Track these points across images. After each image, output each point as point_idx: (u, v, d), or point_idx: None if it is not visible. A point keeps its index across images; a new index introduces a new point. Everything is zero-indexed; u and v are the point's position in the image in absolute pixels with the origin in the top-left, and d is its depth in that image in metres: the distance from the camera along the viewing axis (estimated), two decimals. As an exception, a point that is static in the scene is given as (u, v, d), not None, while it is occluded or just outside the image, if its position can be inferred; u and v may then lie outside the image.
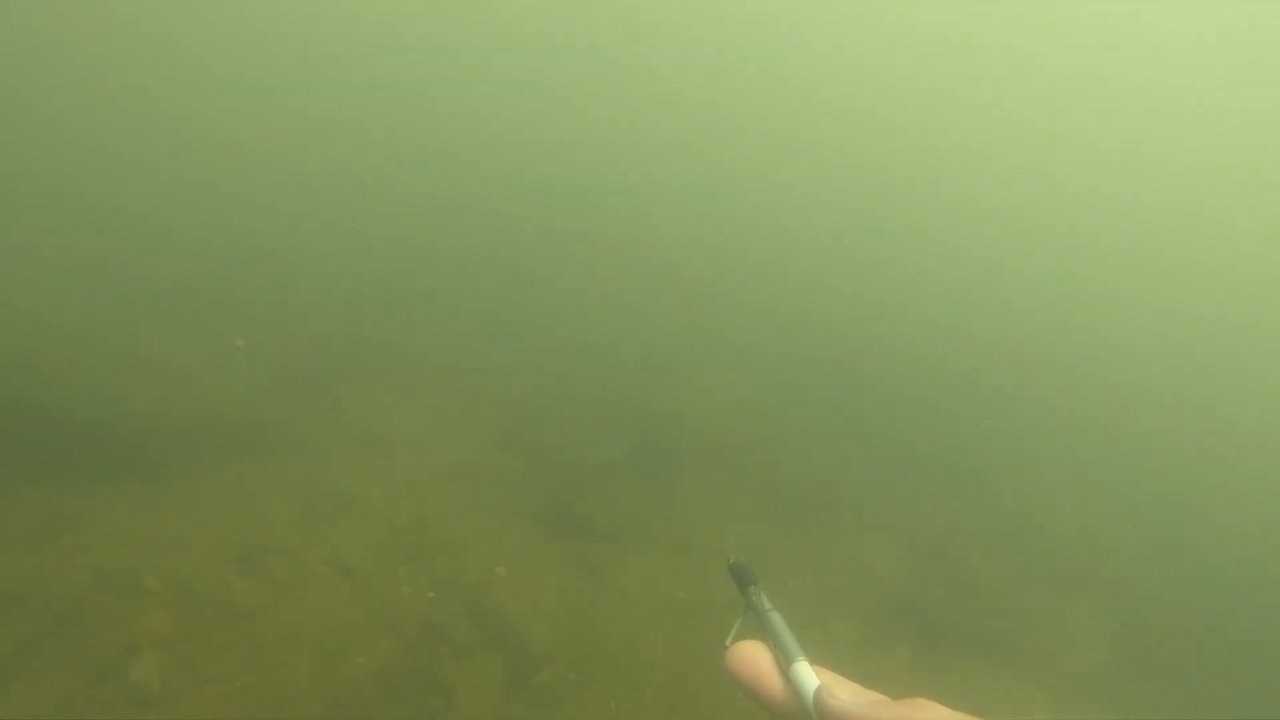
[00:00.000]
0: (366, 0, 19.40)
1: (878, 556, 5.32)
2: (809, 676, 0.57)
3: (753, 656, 0.60)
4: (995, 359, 9.52)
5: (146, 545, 3.83)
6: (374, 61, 16.19)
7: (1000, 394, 8.59)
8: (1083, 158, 23.94)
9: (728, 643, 0.62)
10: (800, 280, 10.56)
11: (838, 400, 7.49)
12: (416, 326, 7.19)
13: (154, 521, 4.02)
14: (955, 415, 7.84)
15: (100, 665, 3.13)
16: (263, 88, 12.86)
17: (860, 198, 15.33)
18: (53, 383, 5.04)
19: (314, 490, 4.73)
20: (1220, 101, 32.42)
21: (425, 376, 6.46)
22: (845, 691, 0.55)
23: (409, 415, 5.92)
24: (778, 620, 0.63)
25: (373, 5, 19.47)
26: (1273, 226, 21.50)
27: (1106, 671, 4.87)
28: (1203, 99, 32.64)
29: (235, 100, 12.00)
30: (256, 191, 9.28)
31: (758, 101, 21.32)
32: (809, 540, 5.26)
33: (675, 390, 6.86)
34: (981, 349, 9.70)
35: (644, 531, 4.87)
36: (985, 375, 8.96)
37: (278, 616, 3.60)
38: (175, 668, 3.12)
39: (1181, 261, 17.20)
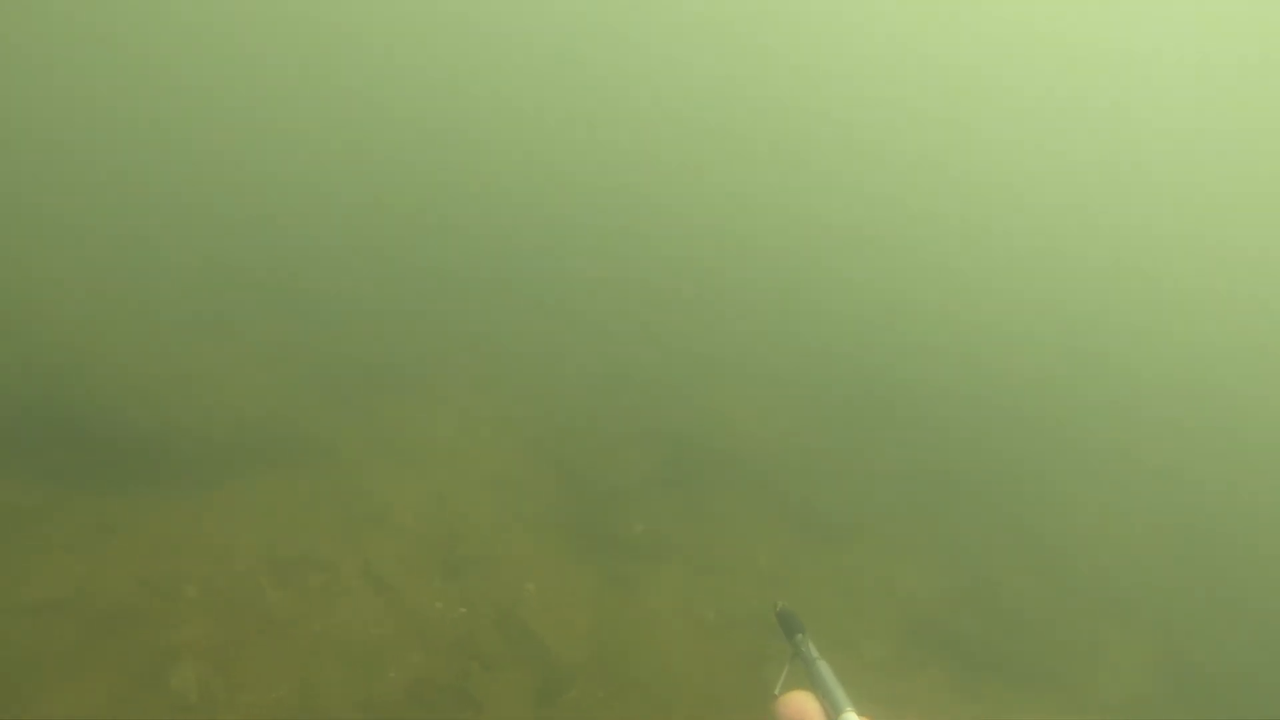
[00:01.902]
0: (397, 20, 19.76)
1: (909, 578, 5.26)
2: None
3: (801, 707, 0.60)
4: (1033, 388, 9.38)
5: (187, 554, 3.92)
6: (407, 82, 16.48)
7: (1037, 422, 8.47)
8: (1116, 190, 23.54)
9: (776, 692, 0.62)
10: (840, 306, 10.50)
11: (872, 425, 7.43)
12: (453, 342, 7.29)
13: (194, 530, 4.11)
14: (993, 443, 7.74)
15: (141, 672, 3.21)
16: (293, 116, 13.16)
17: (900, 223, 15.21)
18: (101, 395, 5.20)
19: (348, 501, 4.81)
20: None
21: (460, 390, 6.54)
22: None
23: (443, 428, 6.00)
24: (825, 670, 0.64)
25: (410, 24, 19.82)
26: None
27: (1144, 701, 4.76)
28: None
29: (264, 123, 12.29)
30: (296, 210, 9.49)
31: (796, 122, 21.30)
32: (840, 560, 5.22)
33: (708, 409, 6.85)
34: (1019, 378, 9.57)
35: (674, 550, 4.87)
36: (1022, 403, 8.83)
37: (312, 627, 3.66)
38: (213, 676, 3.19)
39: (1214, 291, 16.81)
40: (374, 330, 7.21)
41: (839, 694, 0.61)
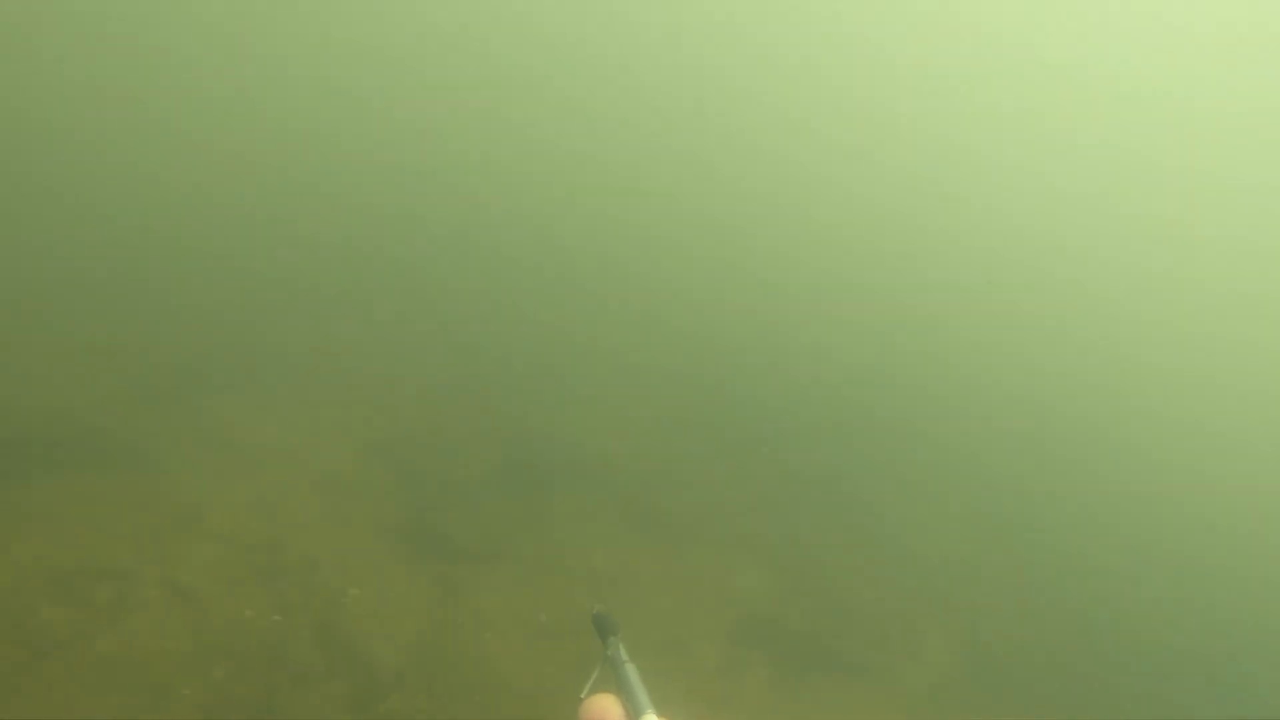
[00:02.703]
0: None
1: (743, 576, 5.41)
2: None
3: (603, 709, 0.61)
4: (870, 387, 9.92)
5: (-54, 567, 3.47)
6: (265, 45, 15.51)
7: (873, 421, 8.95)
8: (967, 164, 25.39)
9: (583, 695, 0.63)
10: (679, 313, 10.71)
11: (714, 423, 7.62)
12: (284, 343, 6.88)
13: (-41, 540, 3.65)
14: (829, 441, 8.11)
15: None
16: (130, 95, 12.11)
17: (729, 230, 15.72)
18: None
19: (156, 507, 4.43)
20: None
21: (291, 392, 6.18)
22: None
23: (271, 427, 5.64)
24: (632, 673, 0.65)
25: None
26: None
27: (949, 687, 5.11)
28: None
29: (98, 103, 11.24)
30: (118, 196, 8.70)
31: (662, 122, 21.62)
32: (676, 560, 5.30)
33: (548, 414, 6.80)
34: (858, 375, 10.09)
35: (508, 551, 4.79)
36: (859, 402, 9.32)
37: (93, 647, 3.33)
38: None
39: (1036, 307, 18.42)
40: (197, 328, 6.70)
41: (642, 697, 0.62)
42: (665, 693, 0.64)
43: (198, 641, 3.53)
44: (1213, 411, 14.21)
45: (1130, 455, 10.68)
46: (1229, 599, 7.70)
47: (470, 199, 12.40)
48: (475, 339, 7.84)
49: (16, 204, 7.65)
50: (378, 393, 6.43)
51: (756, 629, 4.96)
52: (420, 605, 4.18)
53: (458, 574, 4.46)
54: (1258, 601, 7.86)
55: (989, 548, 7.11)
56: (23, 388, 5.20)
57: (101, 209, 8.18)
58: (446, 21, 21.91)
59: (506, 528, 5.03)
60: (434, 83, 17.98)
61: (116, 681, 3.20)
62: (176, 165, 9.97)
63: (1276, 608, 7.83)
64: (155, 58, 13.35)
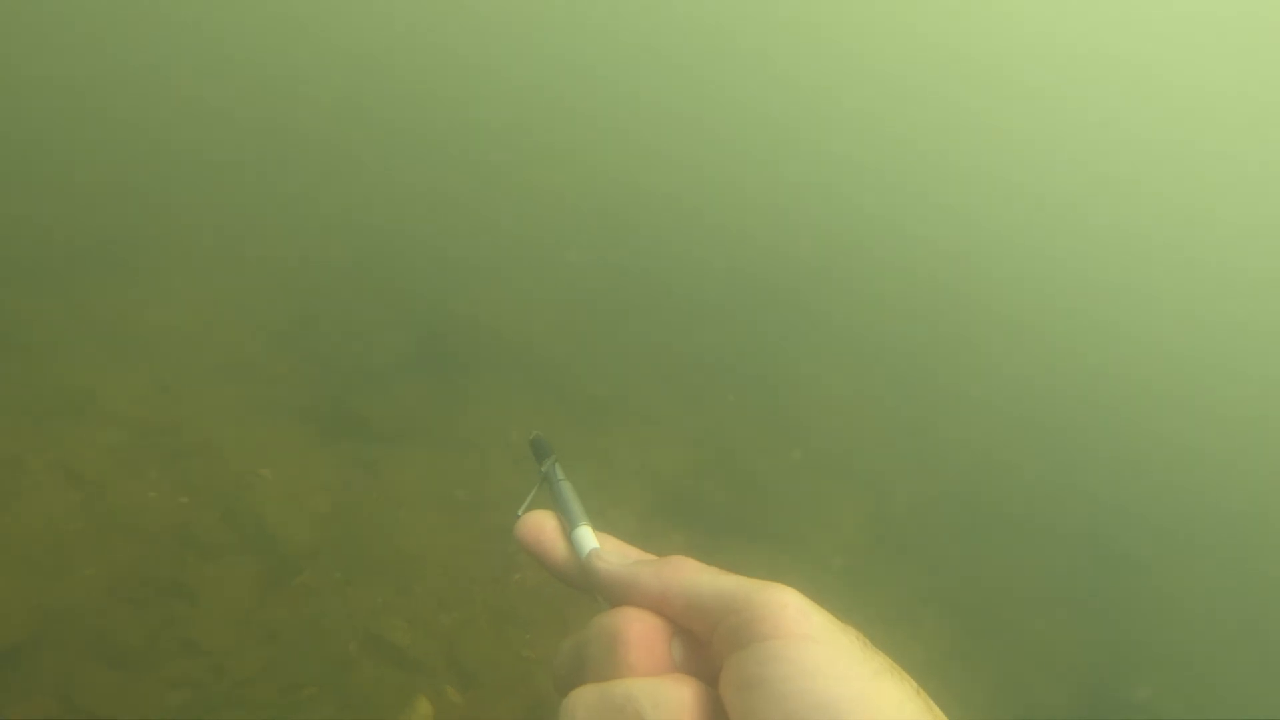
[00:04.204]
0: None
1: (660, 454, 5.54)
2: (588, 540, 0.60)
3: (539, 524, 0.62)
4: (783, 271, 10.02)
5: None
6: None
7: (782, 303, 9.09)
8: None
9: (520, 512, 0.63)
10: (601, 192, 10.50)
11: (631, 308, 7.62)
12: (182, 222, 6.48)
13: None
14: (746, 325, 8.22)
15: None
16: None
17: (656, 111, 15.34)
18: None
19: (41, 392, 4.20)
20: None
21: (191, 275, 5.87)
22: (615, 554, 0.58)
23: (170, 313, 5.37)
24: (567, 489, 0.65)
25: None
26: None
27: (851, 549, 5.43)
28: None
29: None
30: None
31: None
32: (594, 437, 5.38)
33: (468, 288, 6.67)
34: (769, 258, 10.18)
35: (425, 432, 4.77)
36: (771, 286, 9.43)
37: (-17, 529, 3.20)
38: None
39: (957, 178, 18.74)
40: (87, 207, 6.24)
41: (576, 510, 0.63)
42: (596, 524, 0.64)
43: (98, 523, 3.44)
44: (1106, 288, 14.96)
45: (1031, 339, 11.20)
46: (1116, 475, 8.31)
47: (385, 74, 11.68)
48: (388, 221, 7.54)
49: None
50: (285, 276, 6.16)
51: (672, 501, 5.12)
52: (334, 484, 4.14)
53: (372, 454, 4.43)
54: (1144, 475, 8.51)
55: (895, 424, 7.44)
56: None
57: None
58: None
59: (422, 409, 4.98)
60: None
61: (10, 563, 3.10)
62: (59, 21, 9.04)
63: (1158, 481, 8.51)
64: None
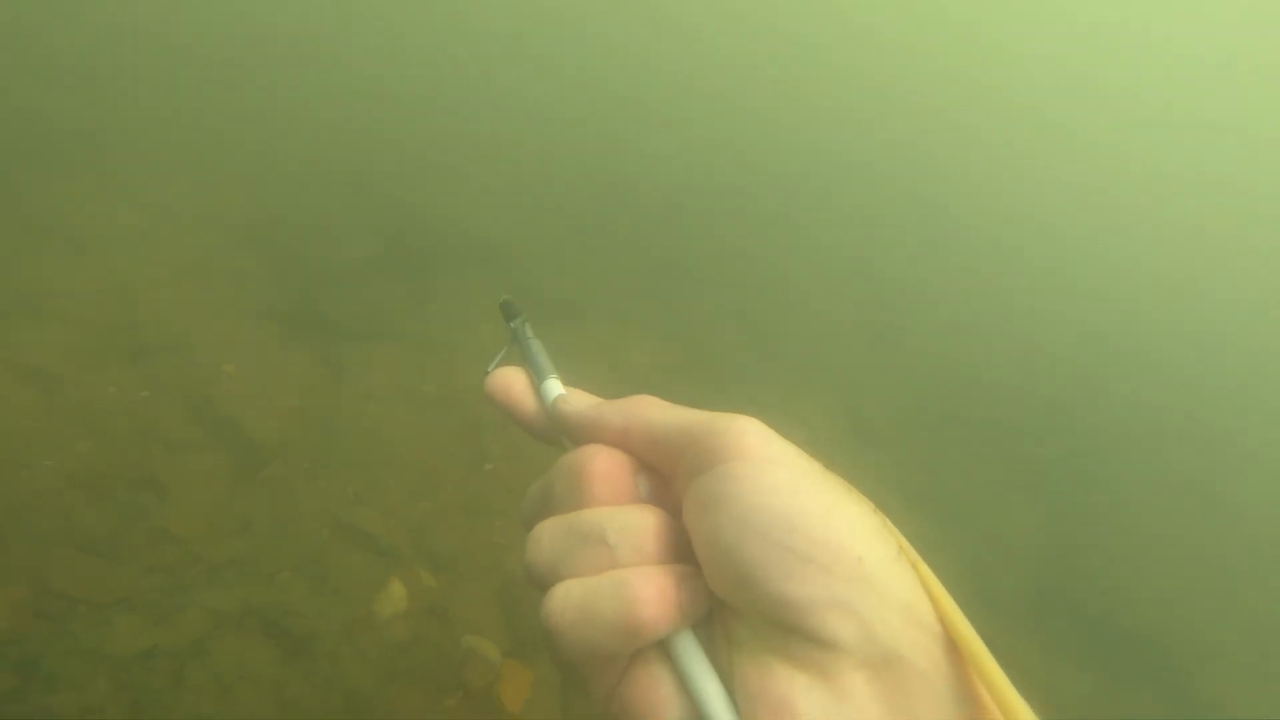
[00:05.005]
0: None
1: (633, 352, 5.54)
2: (556, 391, 0.61)
3: (508, 379, 0.63)
4: (761, 178, 9.89)
5: None
6: None
7: (760, 209, 9.00)
8: None
9: (489, 369, 0.63)
10: (578, 80, 10.18)
11: (604, 211, 7.50)
12: (140, 120, 6.20)
13: None
14: (720, 229, 8.15)
15: None
16: None
17: (631, 23, 14.76)
18: None
19: (-10, 291, 4.08)
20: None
21: (149, 175, 5.65)
22: (580, 399, 0.59)
23: (126, 215, 5.19)
24: (536, 346, 0.66)
25: None
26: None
27: (821, 439, 5.53)
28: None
29: None
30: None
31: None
32: (566, 338, 5.34)
33: (438, 184, 6.51)
34: (748, 164, 10.02)
35: (393, 330, 4.72)
36: (749, 193, 9.31)
37: (-64, 423, 3.15)
38: None
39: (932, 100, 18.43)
40: (33, 101, 5.93)
41: (545, 364, 0.63)
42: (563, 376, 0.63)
43: (55, 419, 3.39)
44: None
45: (1007, 253, 11.23)
46: (1076, 378, 8.48)
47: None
48: (353, 118, 7.28)
49: None
50: (247, 174, 5.96)
51: (642, 393, 5.15)
52: (301, 381, 4.11)
53: (340, 351, 4.38)
54: (1105, 380, 8.69)
55: (867, 329, 7.50)
56: None
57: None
58: None
59: (390, 308, 4.92)
60: None
61: (-32, 456, 3.06)
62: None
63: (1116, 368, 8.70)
64: None
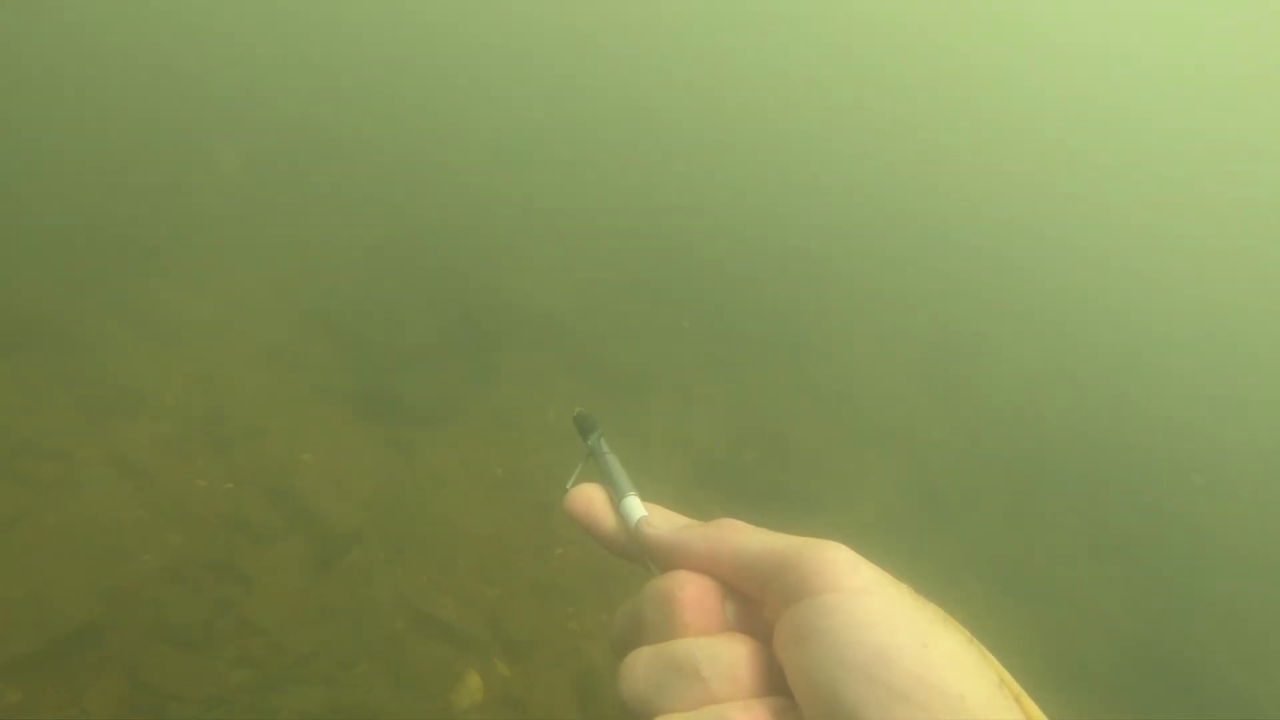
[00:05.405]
0: None
1: (693, 424, 5.55)
2: (636, 509, 0.60)
3: (588, 496, 0.63)
4: (816, 239, 9.92)
5: (-125, 454, 3.38)
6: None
7: (816, 271, 9.01)
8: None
9: (568, 486, 0.64)
10: (628, 154, 10.45)
11: (664, 277, 7.60)
12: (215, 214, 6.57)
13: (-116, 428, 3.54)
14: (777, 295, 8.17)
15: None
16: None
17: (684, 97, 15.16)
18: None
19: (92, 387, 4.31)
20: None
21: (225, 259, 5.97)
22: (663, 521, 0.59)
23: (206, 302, 5.47)
24: (614, 462, 0.66)
25: None
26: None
27: (892, 514, 5.41)
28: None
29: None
30: (21, 67, 7.97)
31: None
32: (630, 413, 5.40)
33: (498, 265, 6.70)
34: (801, 227, 10.07)
35: (461, 411, 4.82)
36: (803, 254, 9.34)
37: (43, 521, 3.31)
38: (-90, 581, 2.82)
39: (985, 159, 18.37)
40: (122, 202, 6.35)
41: (623, 481, 0.63)
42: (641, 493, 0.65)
43: (151, 511, 3.54)
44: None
45: (1062, 294, 10.99)
46: (1157, 429, 8.16)
47: (403, 60, 11.68)
48: (413, 201, 7.58)
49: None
50: (314, 260, 6.23)
51: (710, 472, 5.13)
52: (374, 466, 4.21)
53: (411, 435, 4.49)
54: (1184, 428, 8.34)
55: (931, 388, 7.37)
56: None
57: (6, 78, 7.52)
58: None
59: (457, 388, 5.03)
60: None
61: (73, 552, 3.20)
62: (90, 28, 9.15)
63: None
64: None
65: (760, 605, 0.53)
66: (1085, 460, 6.97)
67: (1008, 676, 0.47)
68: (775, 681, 0.49)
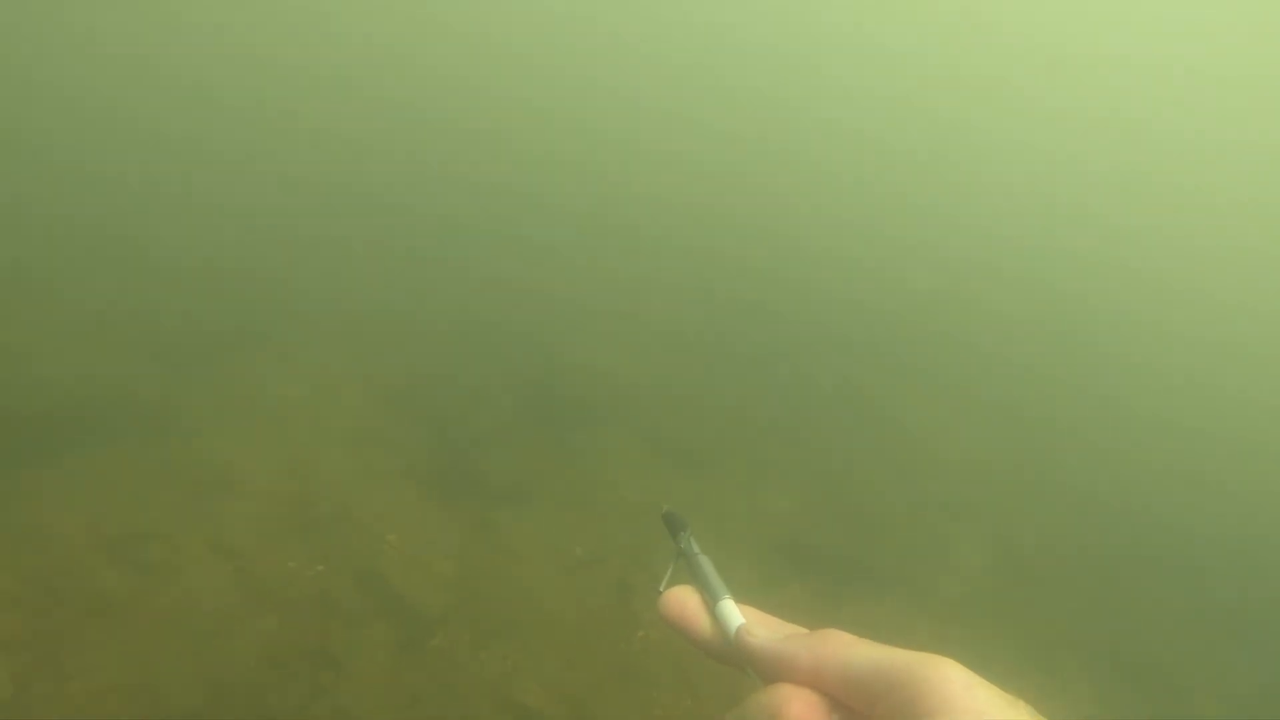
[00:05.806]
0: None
1: (773, 498, 5.48)
2: (733, 614, 0.60)
3: (681, 599, 0.63)
4: (888, 294, 9.83)
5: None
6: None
7: (891, 328, 8.91)
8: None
9: (661, 588, 0.64)
10: (697, 223, 10.60)
11: (732, 345, 7.62)
12: (299, 297, 6.89)
13: (7, 516, 3.76)
14: (847, 363, 8.09)
15: (-52, 672, 2.93)
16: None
17: (753, 158, 15.41)
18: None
19: (189, 470, 4.52)
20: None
21: (310, 347, 6.22)
22: (764, 628, 0.59)
23: (292, 387, 5.70)
24: (706, 563, 0.66)
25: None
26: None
27: (982, 593, 5.20)
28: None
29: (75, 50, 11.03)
30: (117, 152, 8.62)
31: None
32: (705, 487, 5.37)
33: (570, 352, 6.81)
34: (881, 294, 10.00)
35: (541, 489, 4.87)
36: (880, 312, 9.25)
37: (152, 604, 3.45)
38: (31, 669, 2.95)
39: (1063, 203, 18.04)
40: (212, 289, 6.71)
41: (717, 584, 0.63)
42: (733, 590, 0.66)
43: (248, 594, 3.65)
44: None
45: (1164, 350, 10.58)
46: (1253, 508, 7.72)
47: (471, 134, 12.19)
48: (487, 276, 7.81)
49: (22, 170, 7.61)
50: (394, 346, 6.45)
51: (791, 548, 5.04)
52: (457, 546, 4.27)
53: (491, 514, 4.55)
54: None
55: (1015, 464, 7.14)
56: (47, 362, 5.26)
57: (106, 172, 8.13)
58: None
59: (536, 466, 5.10)
60: (424, 9, 17.51)
61: (177, 635, 3.32)
62: (179, 120, 9.86)
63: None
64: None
65: None
66: (1181, 545, 6.60)
67: None
68: None
